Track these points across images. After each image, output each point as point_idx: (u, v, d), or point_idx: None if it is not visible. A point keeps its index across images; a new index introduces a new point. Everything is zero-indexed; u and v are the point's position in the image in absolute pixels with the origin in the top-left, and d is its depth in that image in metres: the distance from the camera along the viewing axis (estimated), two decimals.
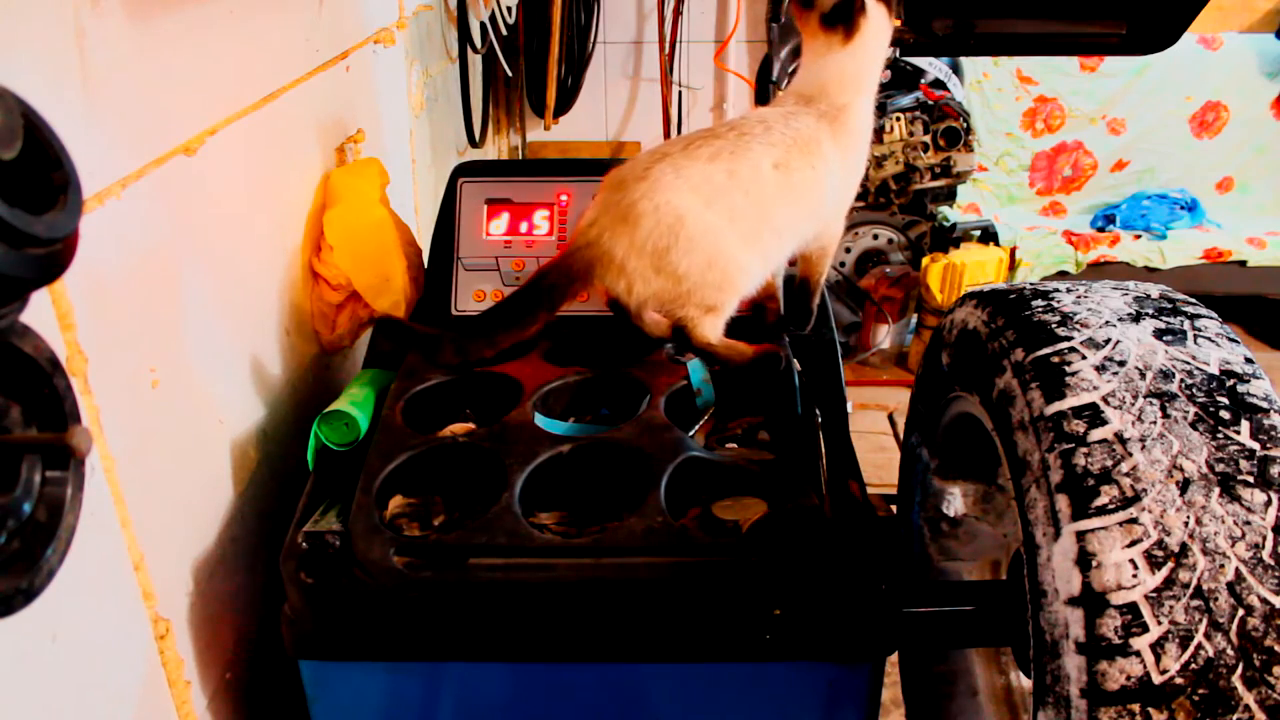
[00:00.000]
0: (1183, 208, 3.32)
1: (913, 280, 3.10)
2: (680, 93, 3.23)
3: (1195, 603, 0.75)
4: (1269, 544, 0.76)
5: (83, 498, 0.63)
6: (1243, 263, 3.11)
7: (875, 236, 3.21)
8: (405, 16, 1.91)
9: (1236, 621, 0.75)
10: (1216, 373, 0.85)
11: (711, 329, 1.17)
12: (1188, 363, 0.86)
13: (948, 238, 3.11)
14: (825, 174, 1.17)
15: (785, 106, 1.20)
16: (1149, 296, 0.96)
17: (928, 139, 2.90)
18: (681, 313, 1.15)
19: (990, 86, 3.34)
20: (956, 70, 3.24)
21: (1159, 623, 0.75)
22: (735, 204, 1.11)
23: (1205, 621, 0.75)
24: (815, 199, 1.18)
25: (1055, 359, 0.88)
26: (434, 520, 1.05)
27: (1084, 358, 0.87)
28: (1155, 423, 0.82)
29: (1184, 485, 0.79)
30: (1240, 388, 0.84)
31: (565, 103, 3.12)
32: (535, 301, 1.12)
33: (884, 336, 3.16)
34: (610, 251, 1.10)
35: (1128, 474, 0.79)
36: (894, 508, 1.07)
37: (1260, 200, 3.43)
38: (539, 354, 1.26)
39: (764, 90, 1.72)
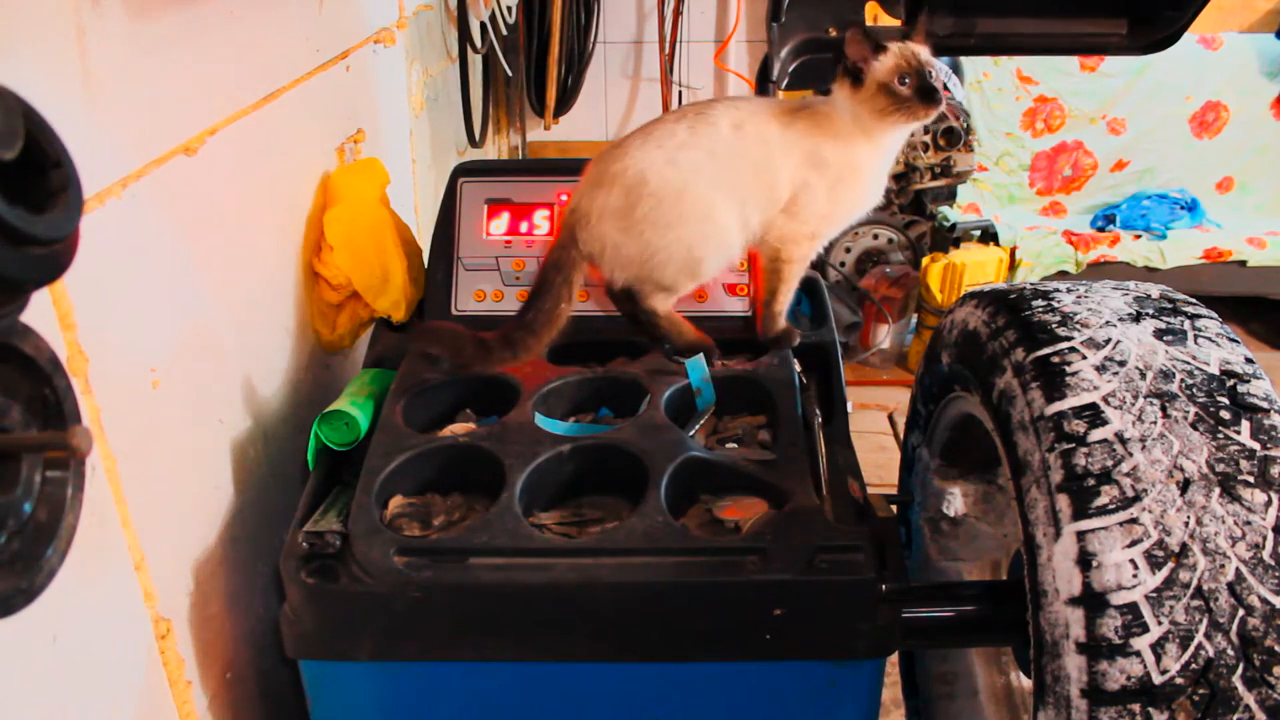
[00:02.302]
0: (1183, 208, 3.32)
1: (913, 280, 3.10)
2: (680, 93, 3.23)
3: (1195, 603, 0.75)
4: (1269, 544, 0.77)
5: (83, 498, 0.63)
6: (1243, 263, 3.11)
7: (875, 236, 3.21)
8: (405, 16, 1.91)
9: (1237, 621, 0.75)
10: (1217, 373, 0.85)
11: (661, 300, 1.24)
12: (1188, 363, 0.86)
13: (948, 238, 3.11)
14: (781, 154, 1.19)
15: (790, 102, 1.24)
16: (1149, 296, 0.96)
17: (928, 139, 2.90)
18: (641, 286, 1.22)
19: (990, 86, 3.34)
20: (956, 70, 3.24)
21: (1159, 623, 0.75)
22: (696, 160, 1.17)
23: (1205, 622, 0.75)
24: (768, 173, 1.19)
25: (1055, 359, 0.88)
26: (434, 520, 1.05)
27: (1084, 358, 0.87)
28: (1155, 423, 0.82)
29: (1184, 485, 0.79)
30: (1240, 388, 0.84)
31: (565, 103, 3.12)
32: (551, 282, 1.19)
33: (884, 336, 3.16)
34: (586, 212, 1.19)
35: (1128, 474, 0.79)
36: (894, 508, 1.07)
37: (1260, 200, 3.43)
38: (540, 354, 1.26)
39: (764, 90, 1.72)
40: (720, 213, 1.19)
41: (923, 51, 1.17)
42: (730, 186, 1.19)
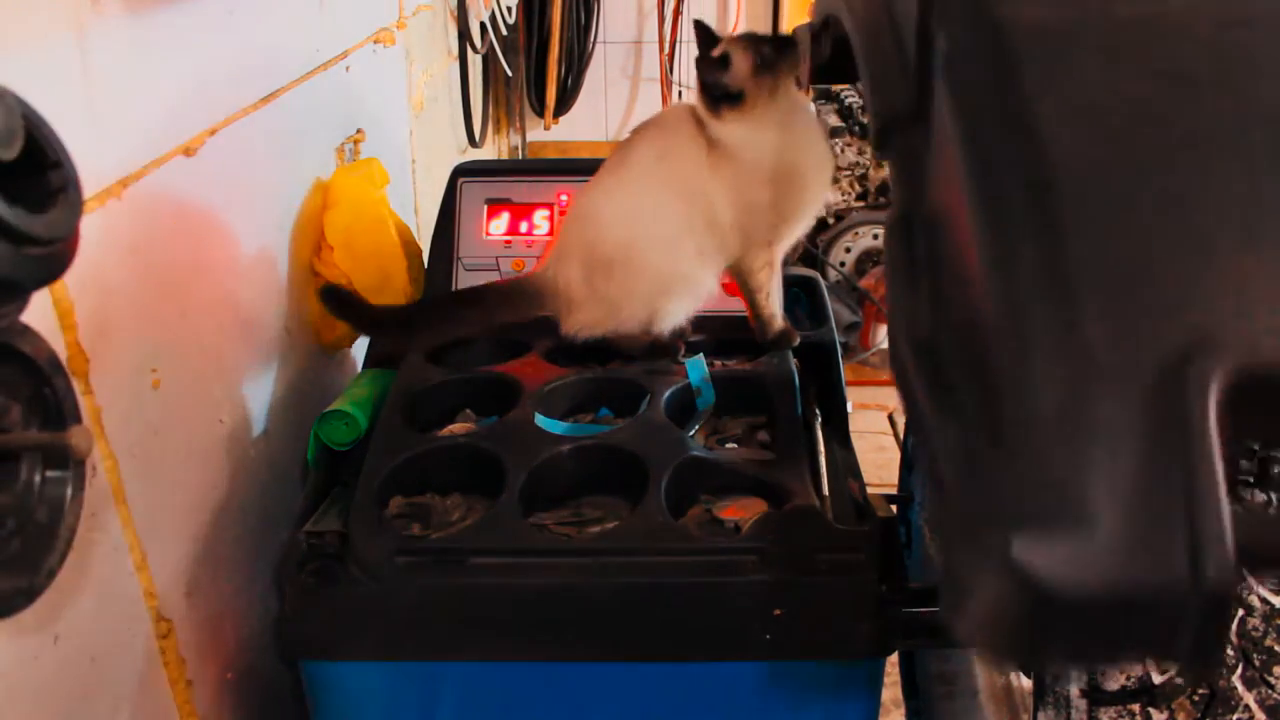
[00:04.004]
0: None
1: None
2: (680, 93, 3.23)
3: None
4: None
5: (83, 498, 0.63)
6: None
7: (875, 236, 3.21)
8: (405, 16, 1.92)
9: (1236, 622, 0.75)
10: None
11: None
12: None
13: None
14: (710, 172, 1.18)
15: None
16: None
17: None
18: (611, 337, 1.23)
19: None
20: None
21: None
22: (631, 208, 1.19)
23: None
24: (703, 197, 1.18)
25: None
26: (434, 520, 1.05)
27: None
28: None
29: None
30: None
31: (565, 103, 3.12)
32: (489, 309, 1.24)
33: (884, 336, 3.16)
34: (557, 289, 1.21)
35: None
36: (894, 508, 1.07)
37: None
38: (539, 354, 1.26)
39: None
40: (671, 256, 1.19)
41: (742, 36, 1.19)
42: (672, 223, 1.19)
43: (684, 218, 1.19)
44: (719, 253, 1.21)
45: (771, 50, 1.17)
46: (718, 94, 1.16)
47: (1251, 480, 0.79)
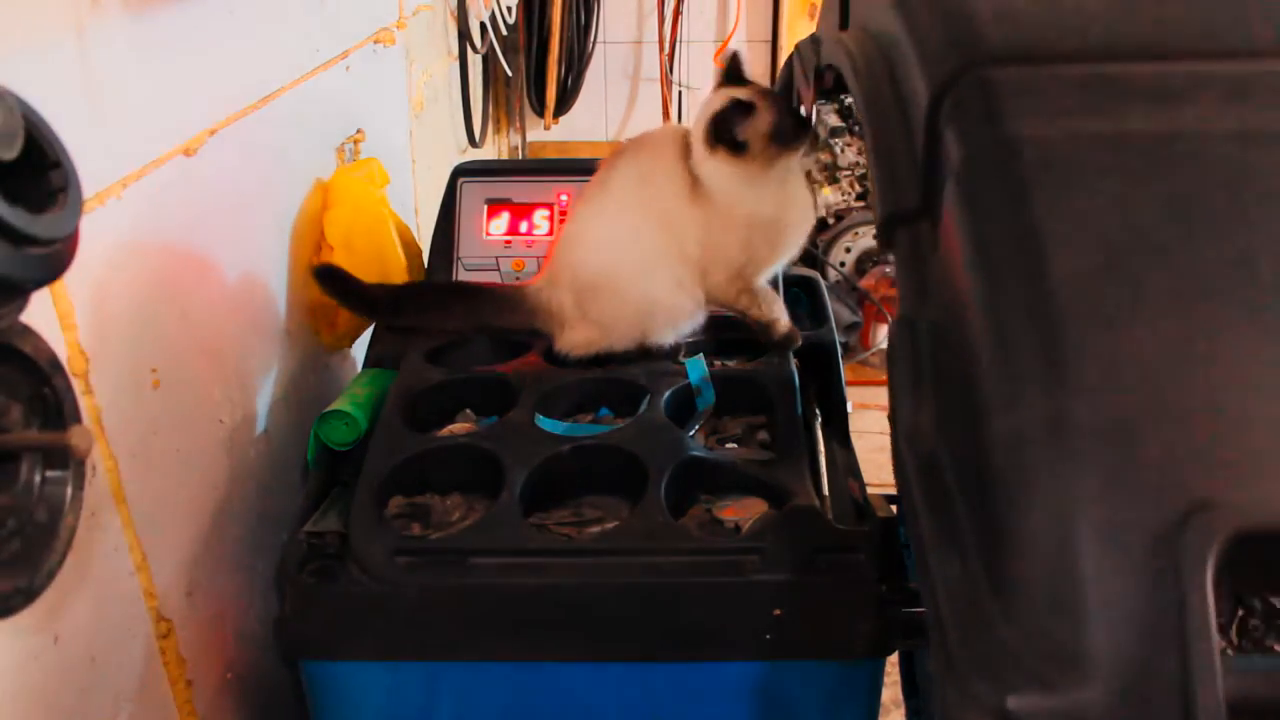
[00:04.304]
0: None
1: None
2: (680, 93, 3.23)
3: None
4: None
5: (83, 498, 0.64)
6: None
7: (875, 236, 3.21)
8: (405, 16, 1.92)
9: (1236, 622, 0.75)
10: None
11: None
12: None
13: None
14: (688, 205, 1.17)
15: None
16: None
17: None
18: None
19: None
20: None
21: None
22: (613, 234, 1.19)
23: None
24: (677, 226, 1.18)
25: None
26: (434, 520, 1.05)
27: None
28: None
29: None
30: None
31: (565, 103, 3.12)
32: (477, 309, 1.26)
33: (884, 336, 3.16)
34: (550, 311, 1.22)
35: None
36: (894, 508, 1.07)
37: None
38: (539, 354, 1.26)
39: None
40: (651, 283, 1.19)
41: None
42: (649, 251, 1.19)
43: (661, 247, 1.19)
44: (697, 284, 1.21)
45: (793, 126, 1.16)
46: (724, 135, 1.14)
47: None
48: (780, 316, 1.25)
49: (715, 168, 1.16)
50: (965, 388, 0.62)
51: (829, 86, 1.07)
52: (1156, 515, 0.52)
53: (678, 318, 1.22)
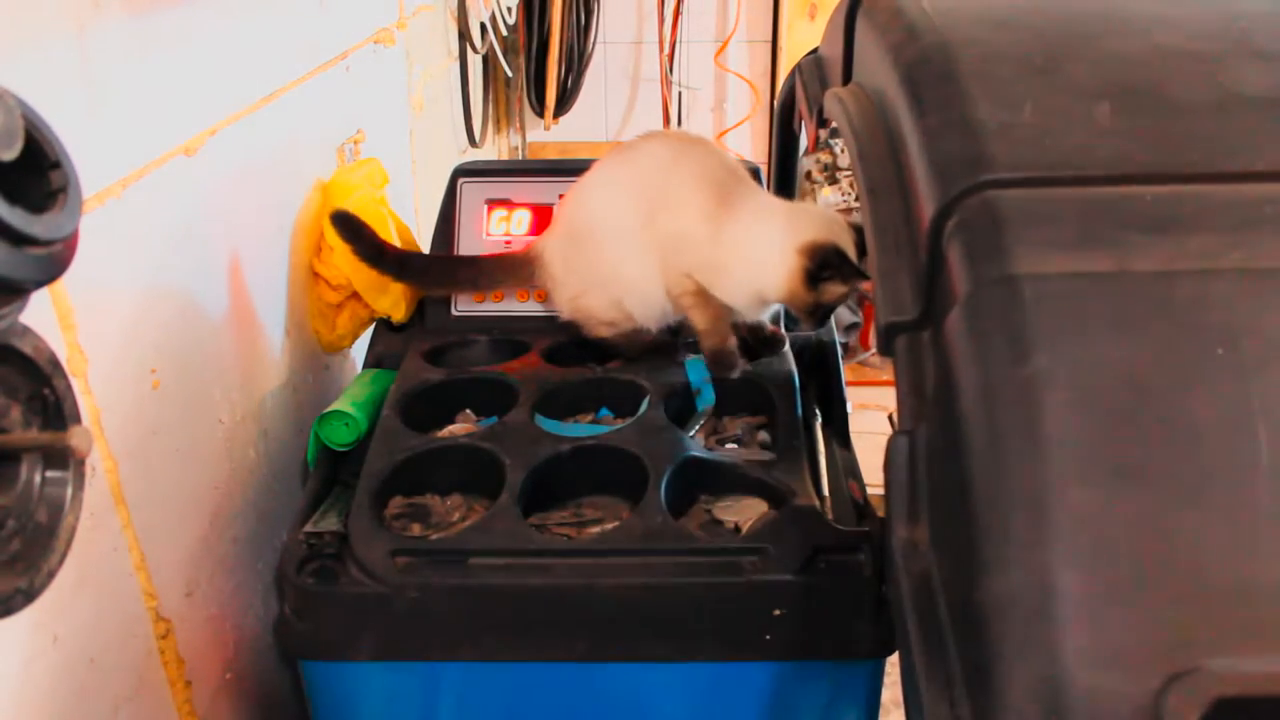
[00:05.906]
0: None
1: None
2: (680, 93, 3.23)
3: None
4: None
5: (83, 498, 0.63)
6: None
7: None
8: (405, 16, 1.91)
9: None
10: None
11: (605, 330, 1.26)
12: None
13: None
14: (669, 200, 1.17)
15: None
16: None
17: None
18: (583, 321, 1.26)
19: None
20: None
21: None
22: (614, 197, 1.21)
23: None
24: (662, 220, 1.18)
25: None
26: (433, 520, 1.05)
27: None
28: None
29: None
30: None
31: (565, 103, 3.12)
32: (483, 275, 1.31)
33: None
34: (540, 251, 1.26)
35: None
36: None
37: None
38: (539, 354, 1.26)
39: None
40: (619, 249, 1.19)
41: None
42: (628, 219, 1.19)
43: (641, 222, 1.18)
44: (659, 273, 1.20)
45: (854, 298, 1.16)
46: (814, 277, 1.11)
47: None
48: (720, 335, 1.19)
49: (730, 233, 1.14)
50: (956, 533, 0.63)
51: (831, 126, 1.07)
52: (1140, 684, 0.53)
53: (640, 293, 1.21)
